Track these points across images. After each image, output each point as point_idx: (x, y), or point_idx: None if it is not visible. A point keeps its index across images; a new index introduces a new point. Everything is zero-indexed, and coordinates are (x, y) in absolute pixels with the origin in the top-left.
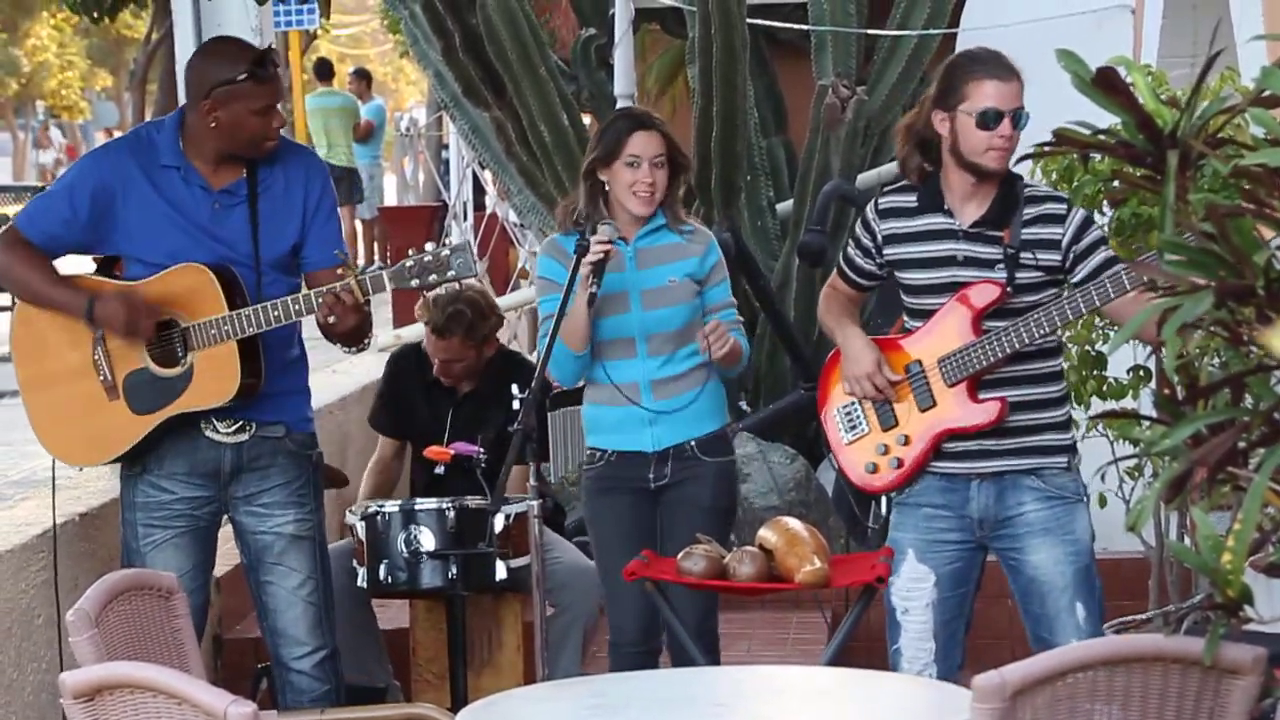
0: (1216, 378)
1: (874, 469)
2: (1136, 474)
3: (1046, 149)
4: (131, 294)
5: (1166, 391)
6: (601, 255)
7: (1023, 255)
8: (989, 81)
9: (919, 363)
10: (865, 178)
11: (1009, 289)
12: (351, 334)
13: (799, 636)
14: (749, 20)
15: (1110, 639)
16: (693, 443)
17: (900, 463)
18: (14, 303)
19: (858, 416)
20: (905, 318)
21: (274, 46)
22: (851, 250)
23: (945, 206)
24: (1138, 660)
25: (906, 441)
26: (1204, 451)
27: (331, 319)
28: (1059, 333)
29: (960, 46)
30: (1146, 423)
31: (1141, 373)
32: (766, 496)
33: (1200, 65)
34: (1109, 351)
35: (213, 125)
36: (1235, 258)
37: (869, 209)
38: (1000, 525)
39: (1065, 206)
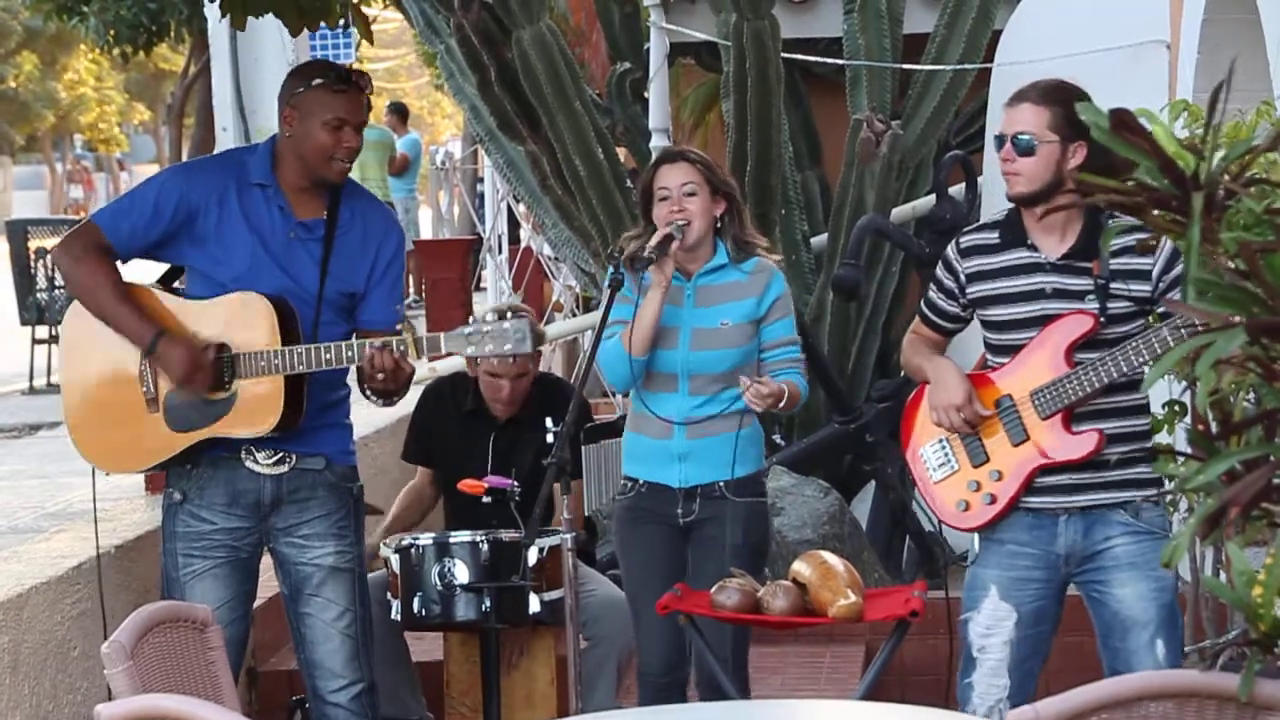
0: (1250, 414)
1: (966, 506)
2: (1172, 509)
3: (1071, 203)
4: (195, 345)
5: (1201, 427)
6: (662, 238)
7: (1113, 285)
8: (1007, 108)
9: (1010, 396)
10: (900, 212)
11: (1102, 319)
12: (396, 391)
13: (833, 670)
14: (784, 55)
15: (1145, 674)
16: (721, 484)
17: (993, 499)
18: (50, 335)
19: (948, 453)
20: (987, 355)
21: (366, 72)
22: (933, 293)
23: (1029, 241)
24: (1173, 696)
25: (1000, 477)
26: (1238, 489)
27: (380, 375)
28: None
29: (994, 81)
30: (1181, 458)
31: (1176, 407)
32: (800, 530)
33: (1232, 100)
34: (1144, 388)
35: (289, 135)
36: (1268, 293)
37: (950, 249)
38: (1087, 560)
39: (1157, 237)
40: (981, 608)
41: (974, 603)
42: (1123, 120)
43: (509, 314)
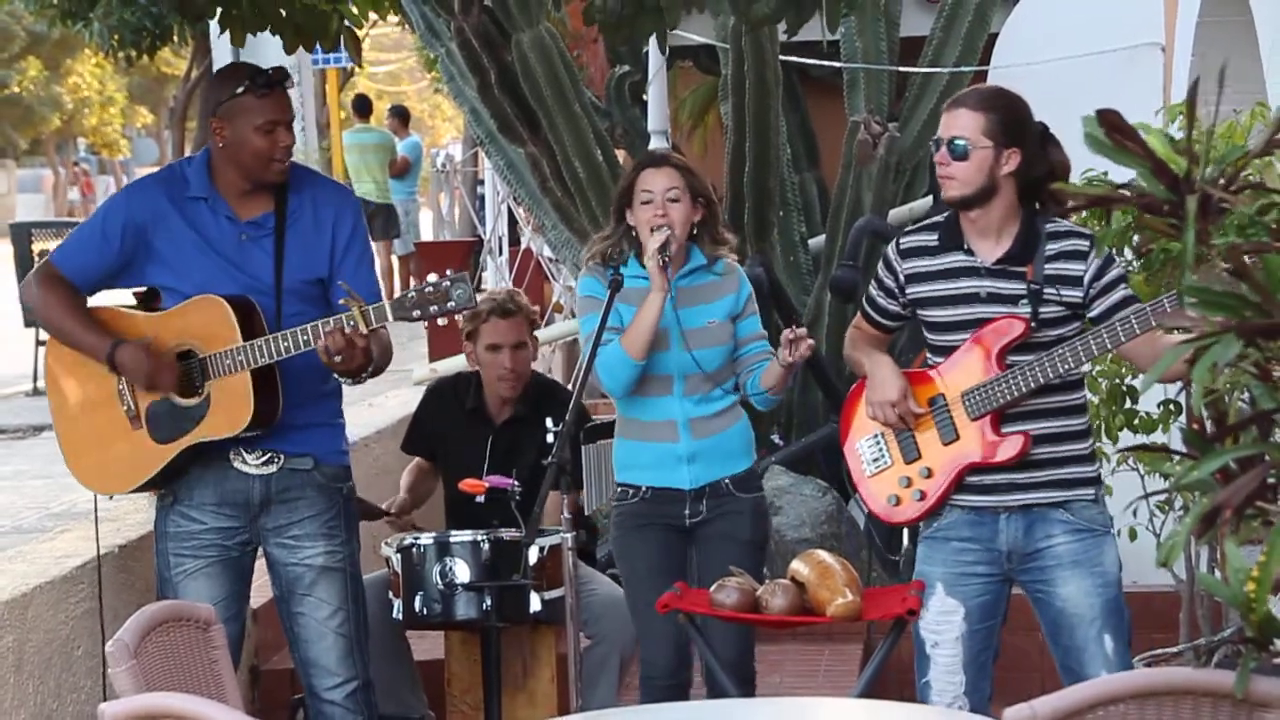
0: (1245, 414)
1: (896, 501)
2: (1167, 508)
3: (1070, 208)
4: (152, 347)
5: (1196, 427)
6: (662, 241)
7: (1046, 291)
8: (943, 113)
9: (942, 396)
10: (897, 213)
11: (1033, 324)
12: (352, 367)
13: (831, 669)
14: (782, 57)
15: (1141, 672)
16: (727, 480)
17: (923, 495)
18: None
19: (881, 449)
20: (927, 354)
21: (284, 67)
22: (874, 291)
23: (966, 245)
24: (1168, 693)
25: (929, 474)
26: (1233, 487)
27: (338, 358)
28: (1082, 367)
29: (992, 83)
30: (1176, 457)
31: (1171, 407)
32: (799, 529)
33: (1227, 102)
34: (1142, 390)
35: (221, 145)
36: (1261, 296)
37: (890, 249)
38: (1028, 558)
39: (1088, 243)
40: (930, 604)
41: (922, 599)
42: (1114, 123)
43: (447, 277)
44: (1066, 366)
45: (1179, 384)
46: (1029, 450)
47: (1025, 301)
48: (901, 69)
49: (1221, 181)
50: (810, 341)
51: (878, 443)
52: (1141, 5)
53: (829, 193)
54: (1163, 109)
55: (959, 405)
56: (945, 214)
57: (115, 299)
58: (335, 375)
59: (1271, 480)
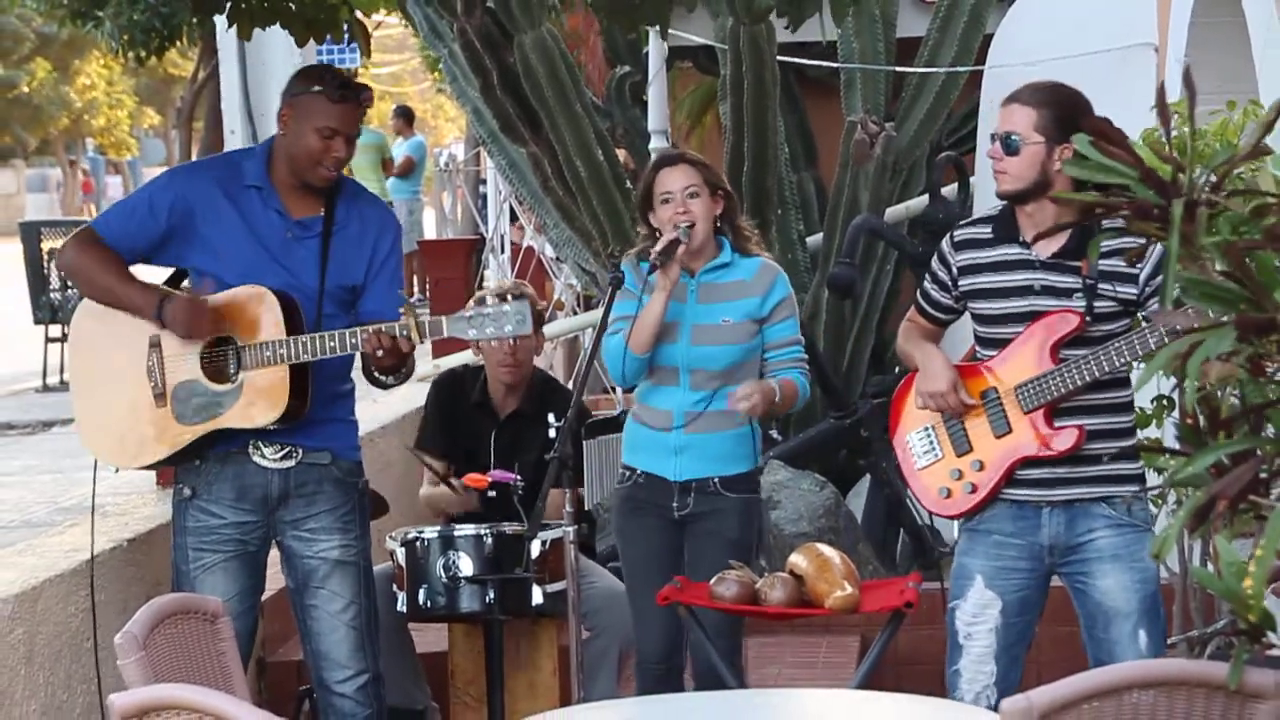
0: (1237, 409)
1: (948, 494)
2: (1160, 502)
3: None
4: (199, 301)
5: (1189, 422)
6: (668, 243)
7: (1101, 286)
8: (999, 107)
9: (995, 389)
10: (894, 211)
11: (1088, 318)
12: (393, 370)
13: (829, 660)
14: (780, 58)
15: (1136, 663)
16: (716, 479)
17: (974, 488)
18: (63, 333)
19: (932, 441)
20: (977, 347)
21: (368, 85)
22: (928, 284)
23: (1020, 238)
24: (1163, 684)
25: (981, 467)
26: (1226, 481)
27: (380, 353)
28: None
29: (986, 84)
30: (1169, 452)
31: (1165, 402)
32: (797, 523)
33: (1219, 102)
34: (1136, 387)
35: (283, 134)
36: (1255, 292)
37: (945, 243)
38: (1070, 551)
39: (1145, 239)
40: (967, 596)
41: (960, 591)
42: (1102, 131)
43: (509, 296)
44: (1122, 360)
45: (1172, 380)
46: (1083, 443)
47: (1080, 296)
48: (898, 69)
49: (1212, 182)
50: (749, 405)
51: (928, 435)
52: (1134, 6)
53: (826, 191)
54: (1155, 108)
55: (1012, 398)
56: (999, 206)
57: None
58: (377, 374)
59: (1264, 474)
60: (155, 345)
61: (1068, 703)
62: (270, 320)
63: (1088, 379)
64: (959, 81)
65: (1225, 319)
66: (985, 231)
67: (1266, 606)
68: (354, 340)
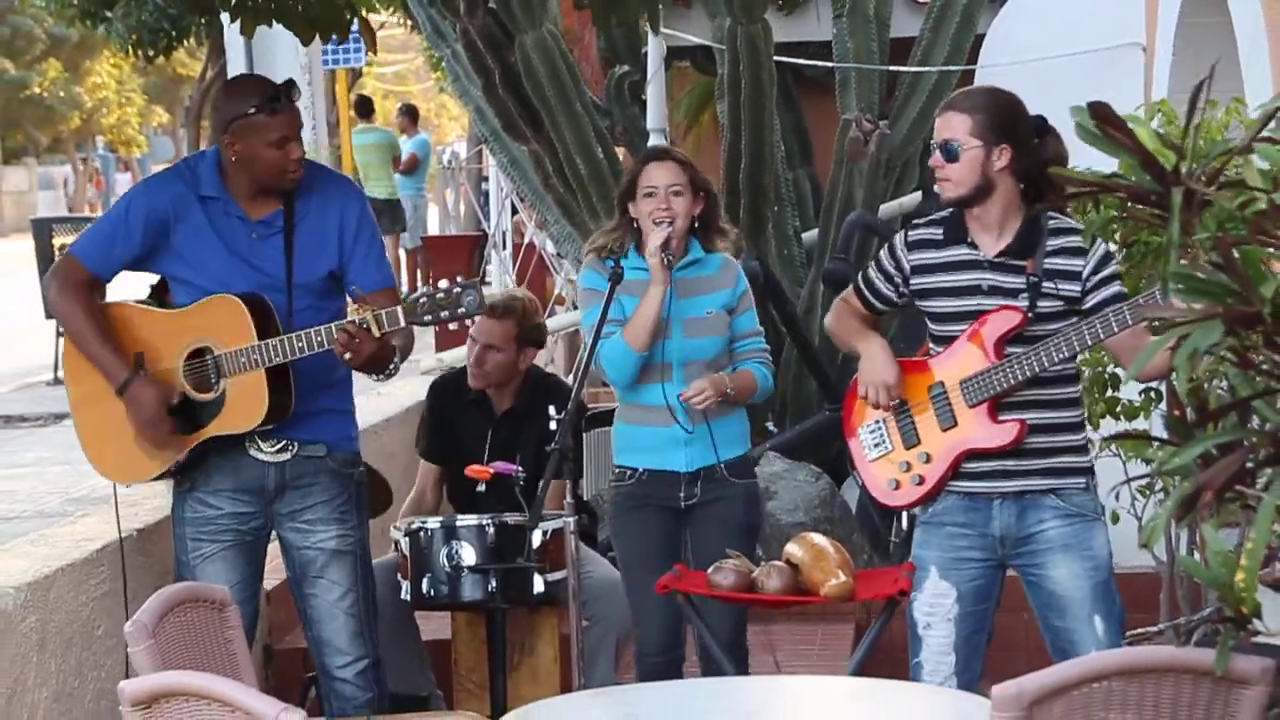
0: (1225, 400)
1: (896, 485)
2: (1148, 492)
3: (1061, 198)
4: (163, 395)
5: (1177, 413)
6: (663, 239)
7: (1045, 285)
8: (935, 117)
9: (941, 384)
10: (887, 208)
11: (1030, 315)
12: (369, 365)
13: (824, 648)
14: (776, 58)
15: (1124, 650)
16: (722, 465)
17: (922, 479)
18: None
19: (882, 434)
20: (930, 344)
21: (293, 80)
22: (873, 273)
23: (969, 239)
24: (1151, 671)
25: (928, 459)
26: (1213, 471)
27: (347, 355)
28: (1076, 360)
29: (978, 83)
30: (1157, 443)
31: (1153, 394)
32: (793, 513)
33: (1207, 102)
34: (1126, 379)
35: (233, 159)
36: (1242, 285)
37: (898, 240)
38: (1021, 543)
39: (1090, 241)
40: (923, 587)
41: (917, 583)
42: (1104, 115)
43: (458, 279)
44: (1061, 355)
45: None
46: (1024, 437)
47: (1024, 295)
48: (891, 69)
49: (1203, 177)
50: (703, 399)
51: (879, 428)
52: (1123, 6)
53: (822, 188)
54: (1143, 106)
55: (957, 392)
56: (950, 209)
57: (132, 290)
58: (364, 372)
59: (1250, 464)
60: (139, 364)
61: (1057, 689)
62: (241, 325)
63: (1029, 373)
64: (951, 81)
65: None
66: (937, 233)
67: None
68: (320, 339)
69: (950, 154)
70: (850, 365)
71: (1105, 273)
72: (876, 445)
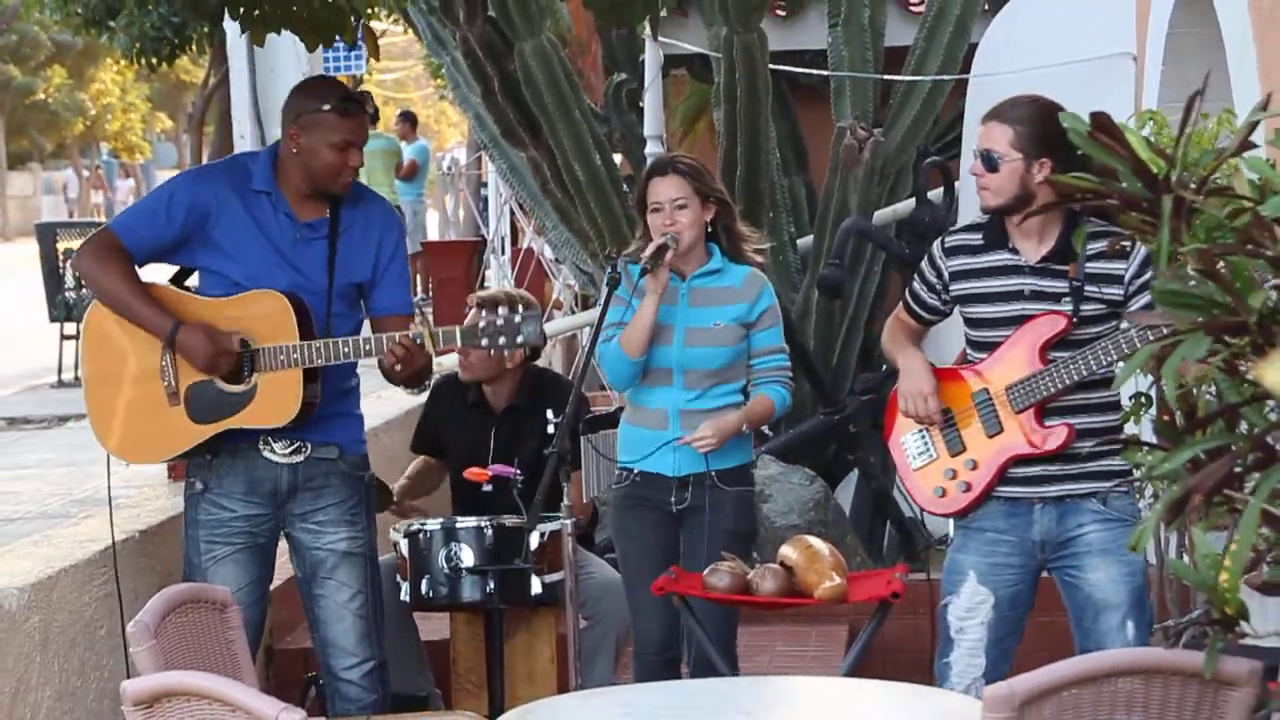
0: (1213, 407)
1: (942, 493)
2: (1138, 496)
3: (1051, 204)
4: (215, 331)
5: (1166, 418)
6: (657, 248)
7: (1087, 289)
8: (979, 125)
9: (986, 390)
10: (881, 215)
11: (1075, 320)
12: (414, 378)
13: (818, 649)
14: (771, 66)
15: (1113, 652)
16: (713, 473)
17: (968, 487)
18: (78, 331)
19: (926, 442)
20: (968, 350)
21: (369, 92)
22: (917, 285)
23: (1010, 244)
24: (1140, 672)
25: (975, 466)
26: (1202, 476)
27: (398, 366)
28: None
29: (971, 92)
30: (1147, 448)
31: (1143, 399)
32: (787, 516)
33: (1199, 112)
34: (1116, 385)
35: (295, 151)
36: (1230, 294)
37: (936, 247)
38: (1061, 546)
39: (1130, 243)
40: (960, 592)
41: (953, 587)
42: (1101, 125)
43: (520, 307)
44: (1109, 359)
45: (1150, 378)
46: (1073, 441)
47: (1068, 299)
48: (886, 77)
49: (1193, 185)
50: (704, 445)
51: (923, 436)
52: (1114, 17)
53: (817, 195)
54: (1134, 115)
55: (1003, 399)
56: (989, 215)
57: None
58: (400, 385)
59: (1238, 469)
60: (169, 345)
61: (1049, 690)
62: (284, 323)
63: (1075, 379)
64: (945, 89)
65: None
66: (976, 238)
67: (1241, 598)
68: (368, 348)
69: (990, 164)
70: (844, 370)
71: (1148, 275)
72: (921, 453)
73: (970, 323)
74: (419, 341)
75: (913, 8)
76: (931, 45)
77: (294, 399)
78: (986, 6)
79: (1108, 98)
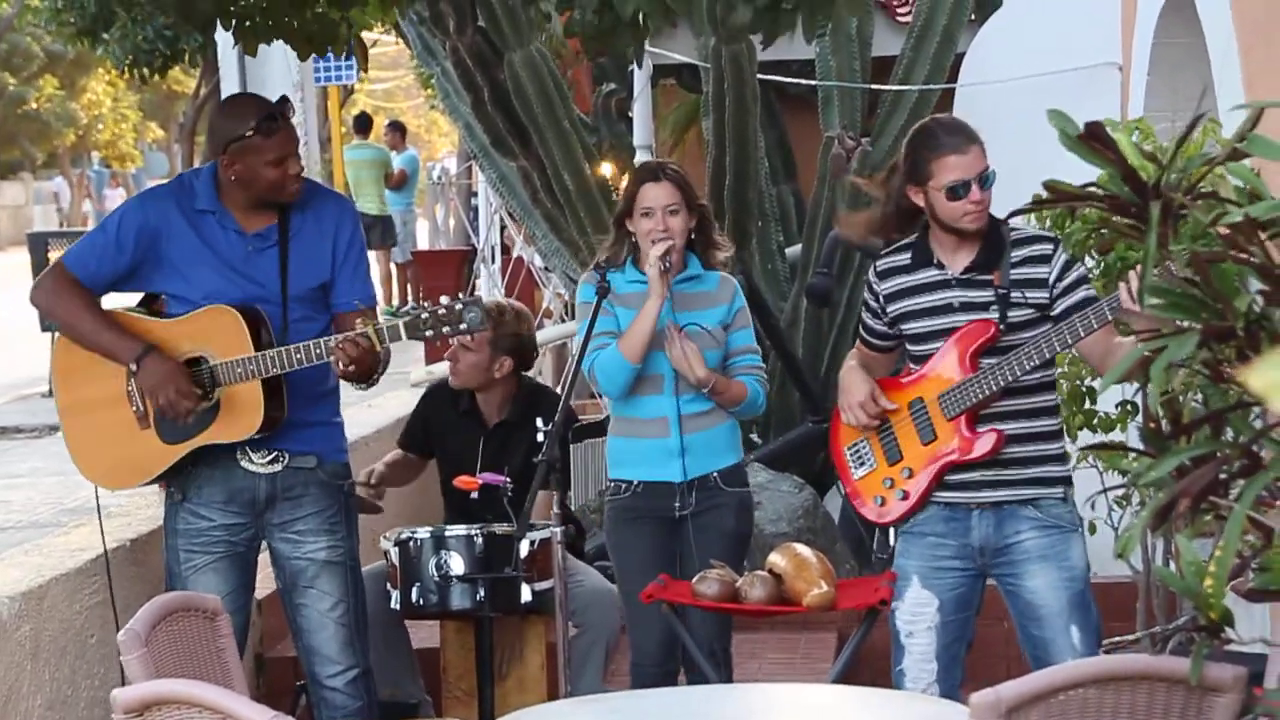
0: (1199, 414)
1: (883, 501)
2: (1124, 503)
3: (1042, 202)
4: (177, 370)
5: (1152, 426)
6: (664, 250)
7: (1013, 295)
8: (950, 156)
9: (920, 399)
10: None
11: (1001, 326)
12: (364, 375)
13: (807, 656)
14: (760, 76)
15: (1100, 658)
16: (716, 474)
17: (906, 494)
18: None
19: (866, 453)
20: (910, 365)
21: (287, 97)
22: (864, 314)
23: (935, 260)
24: (1126, 678)
25: (911, 474)
26: (1187, 482)
27: (351, 367)
28: (1053, 369)
29: (958, 101)
30: (1133, 455)
31: (1129, 407)
32: (776, 523)
33: (1180, 119)
34: (1101, 390)
35: (233, 179)
36: (1217, 300)
37: (870, 273)
38: (999, 553)
39: (1051, 246)
40: (905, 596)
41: (899, 592)
42: (1093, 131)
43: (459, 297)
44: (1032, 363)
45: (1136, 385)
46: (1002, 447)
47: (995, 307)
48: (873, 87)
49: (1182, 191)
50: (692, 354)
51: (863, 446)
52: (1100, 27)
53: (805, 204)
54: (1121, 124)
55: (935, 406)
56: (913, 235)
57: (123, 303)
58: (348, 381)
59: (1224, 475)
60: (133, 371)
61: (1035, 696)
62: (238, 336)
63: (1003, 382)
64: (932, 98)
65: (1189, 326)
66: (904, 258)
67: (1226, 604)
68: (319, 351)
69: (989, 182)
70: (832, 378)
71: (1071, 278)
72: (862, 464)
73: (908, 338)
74: (367, 340)
75: (900, 18)
76: (919, 55)
77: (256, 411)
78: (973, 17)
79: (1094, 107)
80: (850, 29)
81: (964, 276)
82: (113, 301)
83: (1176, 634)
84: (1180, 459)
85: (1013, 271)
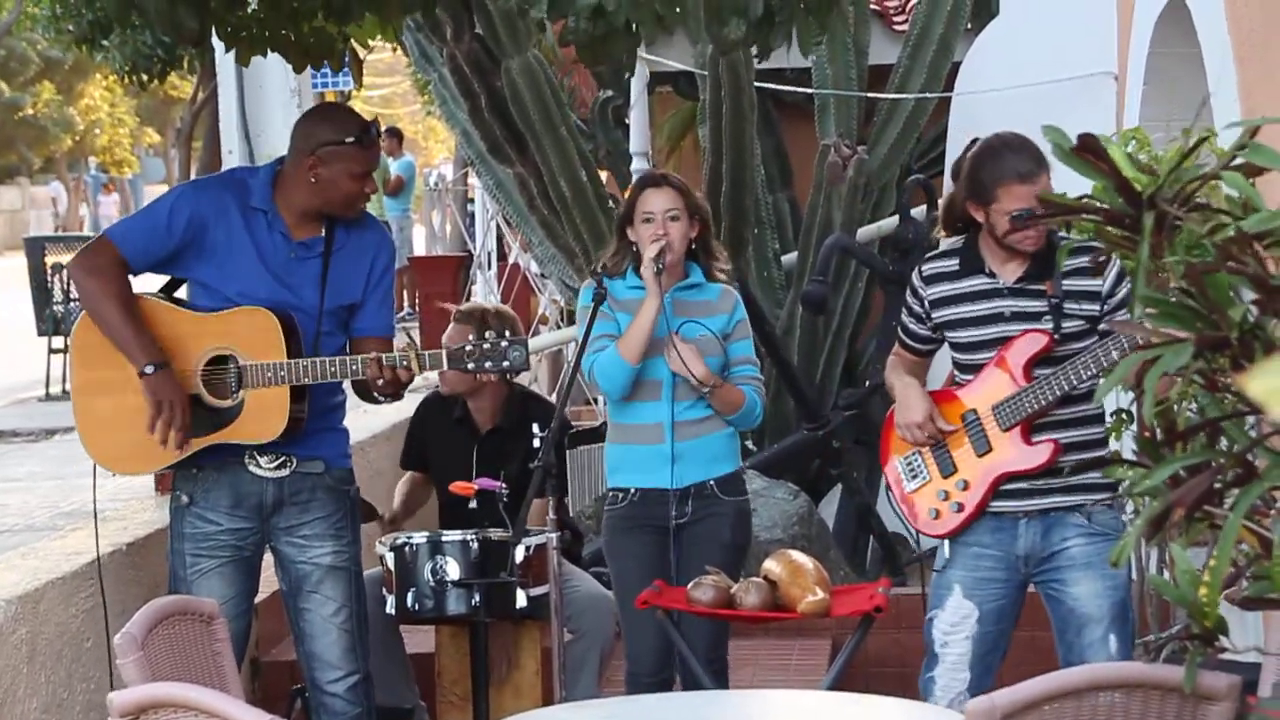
0: (1194, 423)
1: (936, 515)
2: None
3: (1036, 215)
4: (183, 397)
5: (1147, 435)
6: (657, 252)
7: (1066, 305)
8: (1018, 187)
9: (974, 411)
10: (865, 231)
11: (1056, 337)
12: (394, 395)
13: (801, 662)
14: (756, 84)
15: (1094, 666)
16: (712, 482)
17: (961, 507)
18: (66, 344)
19: (919, 465)
20: (955, 373)
21: (378, 119)
22: (905, 318)
23: (986, 269)
24: (1121, 686)
25: (966, 486)
26: (1182, 491)
27: (380, 381)
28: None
29: (954, 110)
30: (1128, 463)
31: (1124, 416)
32: (771, 530)
33: (1176, 128)
34: (1097, 398)
35: (313, 180)
36: (1211, 310)
37: (915, 277)
38: (1044, 560)
39: (1104, 257)
40: (946, 606)
41: (939, 602)
42: (1087, 145)
43: (508, 334)
44: (1090, 373)
45: (1130, 394)
46: (1060, 456)
47: (1048, 317)
48: (870, 95)
49: (1176, 202)
50: (687, 353)
51: (915, 459)
52: (1096, 36)
53: (801, 212)
54: (1117, 134)
55: (990, 418)
56: (960, 239)
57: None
58: (375, 396)
59: (1218, 485)
60: (142, 373)
61: (1030, 704)
62: (272, 341)
63: (1058, 393)
64: (928, 107)
65: (1184, 336)
66: (952, 264)
67: (1220, 613)
68: (355, 367)
69: None
70: (828, 386)
71: (1123, 293)
72: (915, 476)
73: (955, 347)
74: (405, 364)
75: (896, 26)
76: (915, 63)
77: (280, 416)
78: (970, 25)
79: (1090, 116)
80: (847, 38)
81: (1016, 286)
82: (139, 284)
83: (1170, 642)
84: (1175, 468)
85: (1065, 282)
